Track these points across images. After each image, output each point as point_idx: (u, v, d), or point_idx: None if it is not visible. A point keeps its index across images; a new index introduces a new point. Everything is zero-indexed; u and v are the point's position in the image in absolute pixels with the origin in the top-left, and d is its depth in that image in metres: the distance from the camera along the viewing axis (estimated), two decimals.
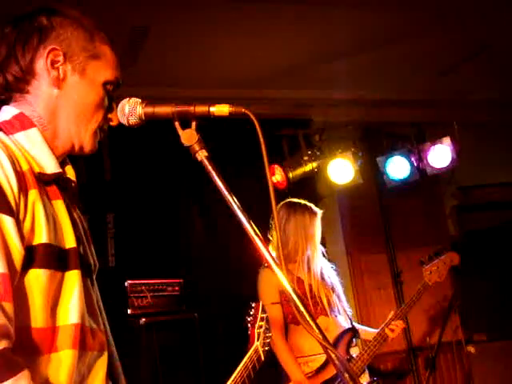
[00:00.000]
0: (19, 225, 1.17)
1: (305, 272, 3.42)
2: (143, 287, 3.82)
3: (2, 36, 1.37)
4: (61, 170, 1.35)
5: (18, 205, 1.18)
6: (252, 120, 1.23)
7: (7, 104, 1.38)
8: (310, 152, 4.72)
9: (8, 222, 1.15)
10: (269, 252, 1.17)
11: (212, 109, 1.27)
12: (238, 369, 2.00)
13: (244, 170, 4.51)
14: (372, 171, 5.05)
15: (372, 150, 5.06)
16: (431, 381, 4.83)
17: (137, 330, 3.68)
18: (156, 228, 4.50)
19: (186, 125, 1.30)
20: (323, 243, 5.08)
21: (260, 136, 1.22)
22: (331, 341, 3.28)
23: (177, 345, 3.79)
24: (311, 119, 5.10)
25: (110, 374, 1.44)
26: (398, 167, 4.87)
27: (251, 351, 2.09)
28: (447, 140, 4.77)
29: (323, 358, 3.25)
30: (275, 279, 3.42)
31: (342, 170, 4.71)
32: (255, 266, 3.92)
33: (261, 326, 2.19)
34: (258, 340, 2.14)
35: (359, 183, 4.78)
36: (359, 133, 5.09)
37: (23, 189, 1.20)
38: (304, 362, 3.28)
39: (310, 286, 3.39)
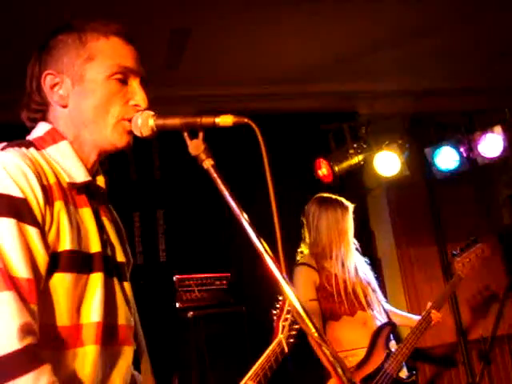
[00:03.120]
0: (44, 234, 1.28)
1: (339, 268, 3.43)
2: (191, 282, 3.94)
3: (27, 75, 1.49)
4: (90, 179, 1.44)
5: (43, 216, 1.28)
6: (254, 129, 1.29)
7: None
8: (355, 145, 4.69)
9: (33, 232, 1.25)
10: (275, 265, 1.22)
11: (217, 119, 1.33)
12: (260, 361, 2.06)
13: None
14: (420, 163, 4.99)
15: (420, 141, 4.98)
16: (485, 375, 4.78)
17: (185, 323, 3.80)
18: (205, 223, 4.61)
19: (195, 135, 1.37)
20: (371, 236, 5.11)
21: (262, 145, 1.28)
22: (368, 334, 3.35)
23: (225, 338, 3.87)
24: (357, 112, 5.09)
25: (138, 365, 1.55)
26: (446, 158, 4.79)
27: (274, 344, 2.15)
28: (498, 128, 4.66)
29: (363, 352, 3.32)
30: (312, 276, 3.46)
31: (388, 162, 4.67)
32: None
33: (286, 319, 2.24)
34: (282, 333, 2.19)
35: (407, 175, 4.73)
36: (406, 124, 5.03)
37: (49, 201, 1.30)
38: (344, 356, 3.30)
39: (345, 282, 3.40)
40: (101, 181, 1.54)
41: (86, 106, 1.43)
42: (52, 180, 1.34)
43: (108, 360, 1.39)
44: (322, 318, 3.37)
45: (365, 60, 4.65)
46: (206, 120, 1.34)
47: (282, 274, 1.23)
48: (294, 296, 1.21)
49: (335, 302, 3.36)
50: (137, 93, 1.46)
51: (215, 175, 1.31)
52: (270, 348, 2.13)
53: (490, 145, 4.69)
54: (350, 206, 3.59)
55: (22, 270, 1.21)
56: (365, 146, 4.72)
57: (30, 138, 1.46)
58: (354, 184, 4.85)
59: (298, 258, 3.58)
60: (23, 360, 1.15)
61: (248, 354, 3.90)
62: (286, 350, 2.15)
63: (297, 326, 2.24)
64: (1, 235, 1.22)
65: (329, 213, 3.51)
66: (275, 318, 2.27)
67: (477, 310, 4.96)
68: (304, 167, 4.76)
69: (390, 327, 3.43)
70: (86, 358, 1.32)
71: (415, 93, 5.02)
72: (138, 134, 1.43)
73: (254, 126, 1.29)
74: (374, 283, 3.58)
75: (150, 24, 3.75)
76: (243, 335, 3.93)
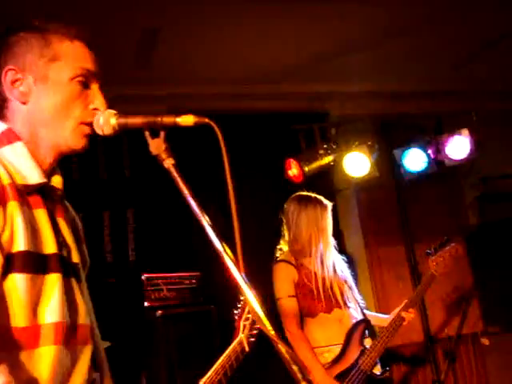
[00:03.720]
0: None
1: (318, 266, 3.47)
2: (160, 280, 3.93)
3: None
4: (45, 180, 1.43)
5: None
6: (214, 130, 1.30)
7: None
8: (325, 146, 4.73)
9: None
10: (233, 264, 1.24)
11: (178, 119, 1.34)
12: (221, 359, 2.09)
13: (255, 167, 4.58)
14: (389, 164, 5.06)
15: (389, 143, 5.05)
16: (450, 372, 4.86)
17: (153, 323, 3.78)
18: (175, 223, 4.60)
19: (156, 134, 1.38)
20: (340, 235, 5.14)
21: (222, 145, 1.29)
22: (344, 331, 3.41)
23: (193, 337, 3.86)
24: (327, 113, 5.13)
25: (95, 364, 1.55)
26: (414, 159, 4.85)
27: (235, 343, 2.17)
28: (465, 131, 4.74)
29: (338, 349, 3.38)
30: (291, 272, 3.52)
31: (358, 163, 4.73)
32: (271, 261, 4.00)
33: (247, 319, 2.26)
34: (243, 332, 2.22)
35: (376, 176, 4.78)
36: (376, 126, 5.09)
37: (1, 202, 1.29)
38: (320, 352, 3.37)
39: (324, 279, 3.45)
40: (57, 182, 1.53)
41: (46, 105, 1.43)
42: (6, 181, 1.33)
43: (68, 360, 1.39)
44: (300, 314, 3.42)
45: (336, 61, 4.70)
46: (167, 119, 1.35)
47: (240, 274, 1.25)
48: (252, 295, 1.22)
49: (313, 299, 3.41)
50: (97, 97, 1.47)
51: (175, 175, 1.33)
52: (231, 347, 2.15)
53: (458, 147, 4.78)
54: (329, 205, 3.64)
55: None
56: (335, 147, 4.76)
57: None
58: (324, 184, 4.87)
59: (278, 254, 3.62)
60: None
61: (217, 353, 3.89)
62: (247, 348, 2.18)
63: (258, 326, 2.26)
64: None
65: (308, 210, 3.55)
66: (236, 317, 2.29)
67: (443, 310, 5.04)
68: (274, 167, 4.79)
69: (365, 324, 3.49)
70: (44, 358, 1.32)
71: (385, 95, 5.08)
72: (99, 132, 1.43)
73: (214, 126, 1.31)
74: (351, 281, 3.64)
75: (120, 23, 3.75)
76: (212, 334, 3.92)
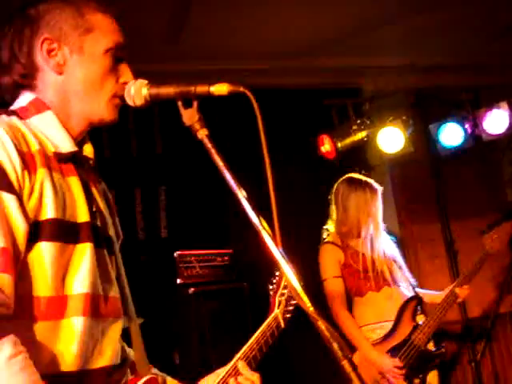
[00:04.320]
0: (22, 201, 1.24)
1: (367, 248, 3.52)
2: (192, 258, 3.92)
3: (3, 37, 1.43)
4: (76, 149, 1.42)
5: (21, 182, 1.24)
6: (250, 98, 1.25)
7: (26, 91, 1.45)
8: (359, 121, 4.65)
9: (9, 199, 1.22)
10: (271, 238, 1.19)
11: (212, 88, 1.29)
12: (255, 335, 2.04)
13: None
14: (424, 139, 4.94)
15: (424, 118, 4.94)
16: (487, 352, 4.78)
17: (186, 300, 3.78)
18: (207, 199, 4.58)
19: (189, 104, 1.34)
20: None
21: (258, 114, 1.24)
22: (395, 309, 3.43)
23: (226, 314, 3.86)
24: (361, 88, 5.02)
25: (128, 339, 1.53)
26: (451, 134, 4.73)
27: (270, 318, 2.12)
28: (504, 104, 4.60)
29: (390, 325, 3.42)
30: (337, 254, 3.59)
31: (392, 138, 4.62)
32: (304, 238, 3.96)
33: (283, 294, 2.21)
34: (278, 308, 2.17)
35: (411, 152, 4.69)
36: (410, 100, 4.96)
37: (29, 168, 1.27)
38: (371, 329, 3.44)
39: (372, 260, 3.49)
40: (88, 151, 1.51)
41: (82, 77, 1.42)
42: (34, 148, 1.31)
43: (97, 332, 1.37)
44: (348, 294, 3.49)
45: (369, 35, 4.58)
46: (201, 89, 1.31)
47: (278, 248, 1.20)
48: (291, 271, 1.18)
49: (360, 279, 3.46)
50: (126, 71, 1.47)
51: (209, 146, 1.28)
52: (266, 323, 2.10)
53: (496, 121, 4.65)
54: (379, 189, 3.66)
55: None
56: (368, 122, 4.68)
57: (12, 108, 1.43)
58: (358, 160, 4.81)
59: (324, 235, 3.66)
60: None
61: (249, 330, 3.87)
62: (283, 324, 2.13)
63: (294, 302, 2.21)
64: None
65: (358, 194, 3.58)
66: (271, 293, 2.24)
67: (480, 288, 4.93)
68: (307, 143, 4.72)
69: (417, 300, 3.51)
70: (71, 329, 1.30)
71: (420, 68, 4.94)
72: (130, 102, 1.40)
73: (249, 94, 1.26)
74: (401, 261, 3.67)
75: None
76: (245, 312, 3.91)
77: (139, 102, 1.38)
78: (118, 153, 4.55)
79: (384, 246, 3.59)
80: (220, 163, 1.26)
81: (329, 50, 4.74)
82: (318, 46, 4.65)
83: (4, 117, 1.34)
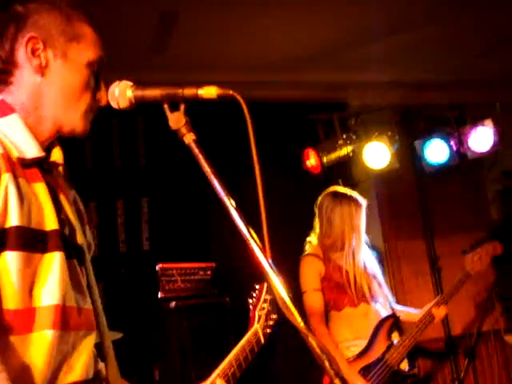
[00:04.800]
0: None
1: (349, 262, 3.48)
2: (174, 271, 3.85)
3: None
4: (42, 154, 1.36)
5: None
6: (240, 103, 1.20)
7: None
8: (345, 136, 4.64)
9: None
10: (259, 249, 1.14)
11: (200, 91, 1.25)
12: (234, 351, 1.97)
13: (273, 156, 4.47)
14: (410, 156, 4.93)
15: (410, 134, 4.93)
16: (470, 370, 4.74)
17: (167, 314, 3.71)
18: (190, 212, 4.53)
19: (176, 108, 1.29)
20: None
21: (248, 120, 1.19)
22: (370, 326, 3.39)
23: (207, 329, 3.80)
24: (347, 102, 5.01)
25: (101, 353, 1.46)
26: (436, 151, 4.72)
27: (249, 333, 2.05)
28: (489, 122, 4.61)
29: (364, 343, 3.36)
30: (318, 266, 3.54)
31: (377, 154, 4.61)
32: (286, 252, 3.90)
33: (263, 308, 2.15)
34: (258, 322, 2.10)
35: (396, 168, 4.67)
36: (397, 116, 4.96)
37: None
38: (346, 346, 3.37)
39: (353, 274, 3.45)
40: (57, 156, 1.46)
41: (63, 83, 1.38)
42: None
43: (68, 346, 1.30)
44: (325, 308, 3.42)
45: (356, 50, 4.57)
46: (188, 91, 1.27)
47: (267, 260, 1.15)
48: (280, 283, 1.13)
49: (339, 293, 3.42)
50: (102, 88, 1.45)
51: (197, 151, 1.23)
52: (246, 338, 2.04)
53: (481, 139, 4.65)
54: (364, 203, 3.62)
55: None
56: (354, 137, 4.67)
57: None
58: (343, 176, 4.77)
59: (306, 247, 3.62)
60: None
61: (231, 345, 3.82)
62: (263, 340, 2.07)
63: (274, 316, 2.15)
64: None
65: (343, 207, 3.54)
66: (251, 307, 2.18)
67: (463, 306, 4.91)
68: (292, 157, 4.69)
69: (393, 319, 3.46)
70: (39, 344, 1.23)
71: (406, 85, 4.94)
72: (114, 105, 1.35)
73: (239, 98, 1.21)
74: (381, 277, 3.63)
75: (137, 7, 3.64)
76: (226, 327, 3.86)
77: (123, 104, 1.33)
78: (100, 164, 4.48)
79: (365, 260, 3.57)
80: (207, 169, 1.21)
81: (315, 64, 4.72)
82: (305, 60, 4.63)
83: None
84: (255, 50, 4.42)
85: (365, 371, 3.28)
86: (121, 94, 1.33)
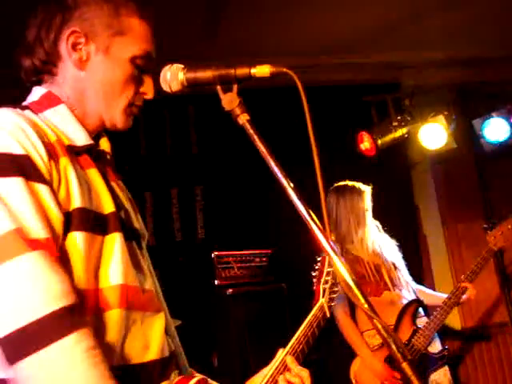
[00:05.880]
0: (54, 191, 1.19)
1: (363, 250, 3.53)
2: (230, 258, 3.85)
3: (33, 18, 1.38)
4: (92, 142, 1.37)
5: (50, 173, 1.19)
6: (294, 80, 1.16)
7: (38, 85, 1.41)
8: (399, 117, 4.53)
9: (42, 190, 1.17)
10: (320, 230, 1.10)
11: (253, 70, 1.22)
12: (302, 327, 1.92)
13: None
14: (468, 135, 4.77)
15: (468, 113, 4.77)
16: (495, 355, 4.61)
17: (224, 301, 3.72)
18: (244, 199, 4.52)
19: (229, 89, 1.26)
20: (415, 211, 4.93)
21: (303, 97, 1.15)
22: (396, 313, 3.41)
23: (264, 316, 3.79)
24: (401, 83, 4.88)
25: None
26: (496, 129, 4.57)
27: (316, 308, 2.00)
28: None
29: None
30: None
31: (434, 134, 4.49)
32: None
33: (327, 282, 2.09)
34: (323, 296, 2.05)
35: (453, 148, 4.54)
36: (453, 95, 4.80)
37: (53, 157, 1.22)
38: (372, 334, 3.36)
39: (370, 263, 3.49)
40: (105, 146, 1.47)
41: (104, 78, 1.38)
42: (53, 138, 1.26)
43: (136, 325, 1.29)
44: (348, 300, 3.41)
45: (409, 29, 4.44)
46: (241, 71, 1.24)
47: (328, 242, 1.11)
48: (342, 265, 1.09)
49: (362, 284, 3.39)
50: (148, 83, 1.44)
51: (251, 132, 1.20)
52: (312, 313, 1.98)
53: None
54: (367, 189, 3.66)
55: (40, 231, 1.13)
56: (409, 119, 4.56)
57: (24, 103, 1.37)
58: (398, 158, 4.68)
59: None
60: (63, 322, 1.07)
61: (288, 331, 3.79)
62: (328, 314, 2.02)
63: (336, 289, 2.10)
64: (10, 196, 1.13)
65: (346, 200, 3.62)
66: (315, 280, 2.12)
67: (483, 296, 4.75)
68: (346, 140, 4.62)
69: (417, 304, 3.48)
70: (108, 323, 1.22)
71: (462, 62, 4.78)
72: (166, 89, 1.33)
73: (292, 75, 1.17)
74: (400, 263, 3.64)
75: None
76: (283, 313, 3.84)
77: (176, 87, 1.31)
78: (154, 152, 4.52)
79: (382, 247, 3.59)
80: (263, 150, 1.17)
81: (368, 45, 4.62)
82: (357, 42, 4.54)
83: (18, 110, 1.28)
84: (307, 34, 4.35)
85: (391, 359, 3.23)
86: (173, 77, 1.31)
